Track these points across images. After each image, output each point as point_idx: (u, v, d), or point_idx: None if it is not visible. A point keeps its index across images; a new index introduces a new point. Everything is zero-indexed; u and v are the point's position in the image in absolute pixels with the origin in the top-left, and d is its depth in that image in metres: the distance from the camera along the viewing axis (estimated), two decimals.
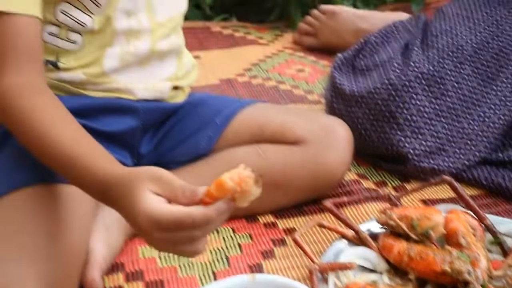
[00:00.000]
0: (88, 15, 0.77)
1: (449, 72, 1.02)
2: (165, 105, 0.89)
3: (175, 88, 0.89)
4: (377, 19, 1.45)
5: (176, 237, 0.57)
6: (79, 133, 0.67)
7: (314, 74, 1.40)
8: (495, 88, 1.03)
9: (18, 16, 0.68)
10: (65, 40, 0.78)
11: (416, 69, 1.01)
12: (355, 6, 1.68)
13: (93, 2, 0.76)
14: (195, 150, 0.90)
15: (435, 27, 1.09)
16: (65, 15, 0.76)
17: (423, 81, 1.01)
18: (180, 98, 0.91)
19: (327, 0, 1.63)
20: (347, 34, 1.45)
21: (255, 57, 1.47)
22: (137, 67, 0.84)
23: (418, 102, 1.00)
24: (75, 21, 0.76)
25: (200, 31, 1.56)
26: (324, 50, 1.50)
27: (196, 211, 0.55)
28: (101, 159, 0.64)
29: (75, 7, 0.76)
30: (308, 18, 1.54)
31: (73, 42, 0.78)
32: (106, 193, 0.60)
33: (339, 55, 1.16)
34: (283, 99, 1.28)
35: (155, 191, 0.56)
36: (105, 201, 0.63)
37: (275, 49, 1.53)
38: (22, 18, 0.69)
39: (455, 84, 1.01)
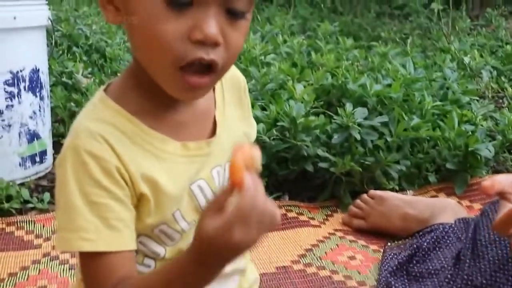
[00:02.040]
0: (163, 247, 0.83)
1: (501, 285, 1.04)
2: None
3: None
4: (423, 205, 1.51)
5: (249, 219, 0.63)
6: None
7: (365, 262, 1.42)
8: None
9: (122, 252, 0.76)
10: (140, 264, 0.83)
11: (470, 282, 1.04)
12: (400, 185, 1.75)
13: (168, 237, 0.82)
14: None
15: (484, 236, 1.12)
16: (143, 245, 0.82)
17: None
18: None
19: (374, 181, 1.71)
20: (395, 218, 1.51)
21: (308, 242, 1.51)
22: None
23: None
24: (151, 251, 0.83)
25: None
26: (373, 233, 1.54)
27: (241, 194, 0.64)
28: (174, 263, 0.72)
29: (152, 239, 0.82)
30: (358, 201, 1.60)
31: (148, 266, 0.83)
32: (196, 259, 0.68)
33: (395, 260, 1.20)
34: None
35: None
36: (201, 263, 0.69)
37: (327, 231, 1.57)
38: (124, 253, 0.76)
39: None
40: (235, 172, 0.64)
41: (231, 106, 0.88)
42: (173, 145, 0.79)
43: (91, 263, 0.76)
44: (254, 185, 0.64)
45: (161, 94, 0.77)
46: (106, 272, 0.76)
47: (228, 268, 0.86)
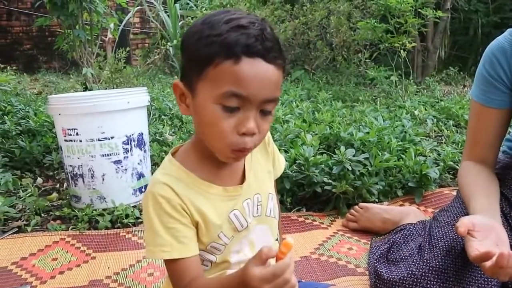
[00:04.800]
0: (214, 256, 0.80)
1: (449, 264, 1.02)
2: None
3: None
4: (395, 212, 1.50)
5: (277, 283, 0.63)
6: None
7: (359, 251, 1.40)
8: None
9: (189, 258, 0.75)
10: (202, 264, 0.81)
11: (428, 264, 1.03)
12: (378, 199, 1.74)
13: (216, 249, 0.80)
14: None
15: (435, 233, 1.11)
16: (202, 256, 0.80)
17: (434, 272, 1.02)
18: None
19: (362, 197, 1.70)
20: (377, 221, 1.50)
21: (320, 239, 1.50)
22: None
23: (431, 286, 1.01)
24: (207, 259, 0.81)
25: (284, 219, 1.62)
26: (362, 231, 1.54)
27: (278, 263, 0.64)
28: (225, 278, 0.72)
29: (207, 252, 0.80)
30: (351, 211, 1.59)
31: (206, 265, 0.81)
32: (237, 282, 0.67)
33: (378, 251, 1.19)
34: (341, 271, 1.27)
35: (254, 264, 0.65)
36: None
37: (332, 231, 1.55)
38: (191, 258, 0.75)
39: (454, 272, 1.02)
40: (284, 249, 0.64)
41: (258, 154, 0.87)
42: (216, 189, 0.79)
43: (171, 266, 0.76)
44: (289, 263, 0.65)
45: (210, 158, 0.77)
46: (180, 272, 0.75)
47: None
